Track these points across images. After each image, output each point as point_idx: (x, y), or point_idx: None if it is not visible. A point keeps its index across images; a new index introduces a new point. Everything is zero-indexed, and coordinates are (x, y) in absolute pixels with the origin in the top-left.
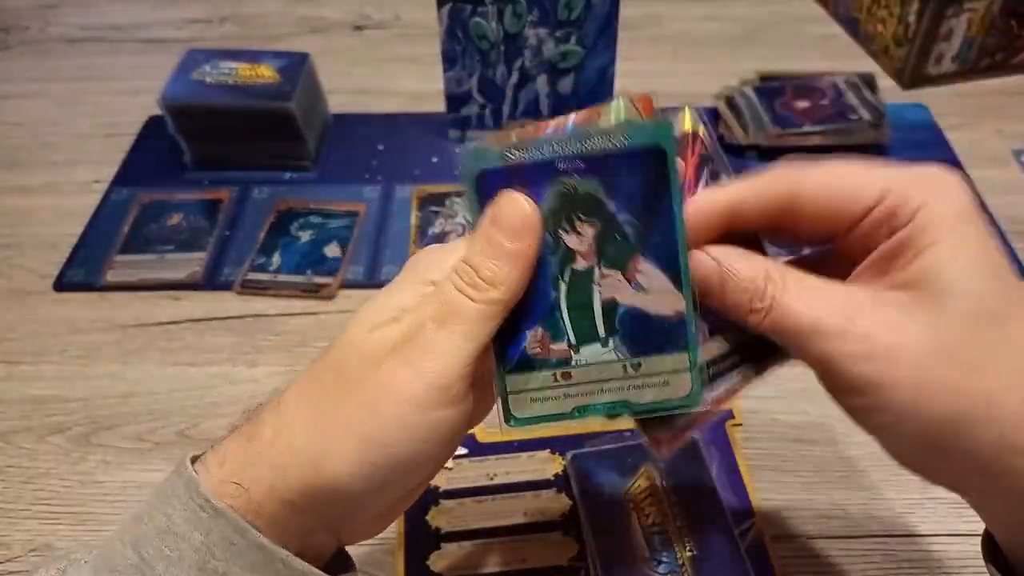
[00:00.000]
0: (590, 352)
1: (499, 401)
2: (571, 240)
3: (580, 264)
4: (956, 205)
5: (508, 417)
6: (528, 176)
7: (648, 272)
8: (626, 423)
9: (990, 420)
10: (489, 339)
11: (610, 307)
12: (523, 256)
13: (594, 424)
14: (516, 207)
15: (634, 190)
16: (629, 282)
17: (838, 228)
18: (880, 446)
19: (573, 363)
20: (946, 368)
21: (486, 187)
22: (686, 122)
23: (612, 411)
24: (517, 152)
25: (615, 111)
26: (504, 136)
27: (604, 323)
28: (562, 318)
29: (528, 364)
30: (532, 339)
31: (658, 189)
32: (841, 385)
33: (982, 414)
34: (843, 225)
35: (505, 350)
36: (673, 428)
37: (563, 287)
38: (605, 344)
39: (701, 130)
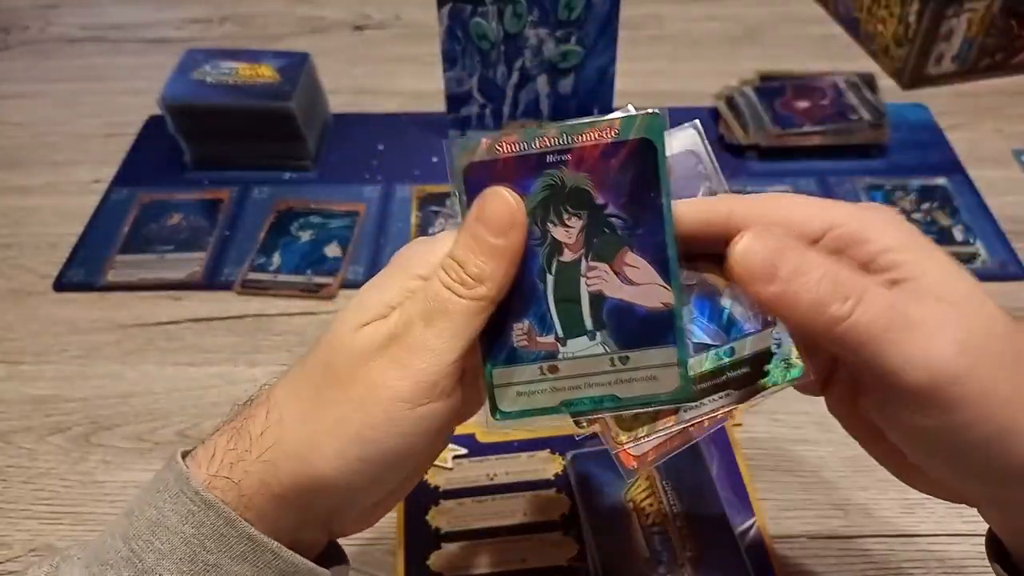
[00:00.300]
0: (577, 345)
1: (486, 395)
2: (558, 232)
3: (567, 256)
4: (917, 235)
5: (494, 410)
6: (516, 169)
7: (636, 265)
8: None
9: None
10: (477, 335)
11: (597, 300)
12: (509, 252)
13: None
14: (501, 202)
15: (623, 183)
16: (617, 275)
17: None
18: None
19: (560, 356)
20: (1002, 371)
21: (473, 180)
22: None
23: (599, 405)
24: (505, 145)
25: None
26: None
27: (591, 316)
28: (549, 311)
29: (515, 357)
30: (519, 332)
31: (647, 182)
32: (921, 383)
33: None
34: None
35: (492, 343)
36: (644, 440)
37: (550, 279)
38: (592, 337)
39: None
